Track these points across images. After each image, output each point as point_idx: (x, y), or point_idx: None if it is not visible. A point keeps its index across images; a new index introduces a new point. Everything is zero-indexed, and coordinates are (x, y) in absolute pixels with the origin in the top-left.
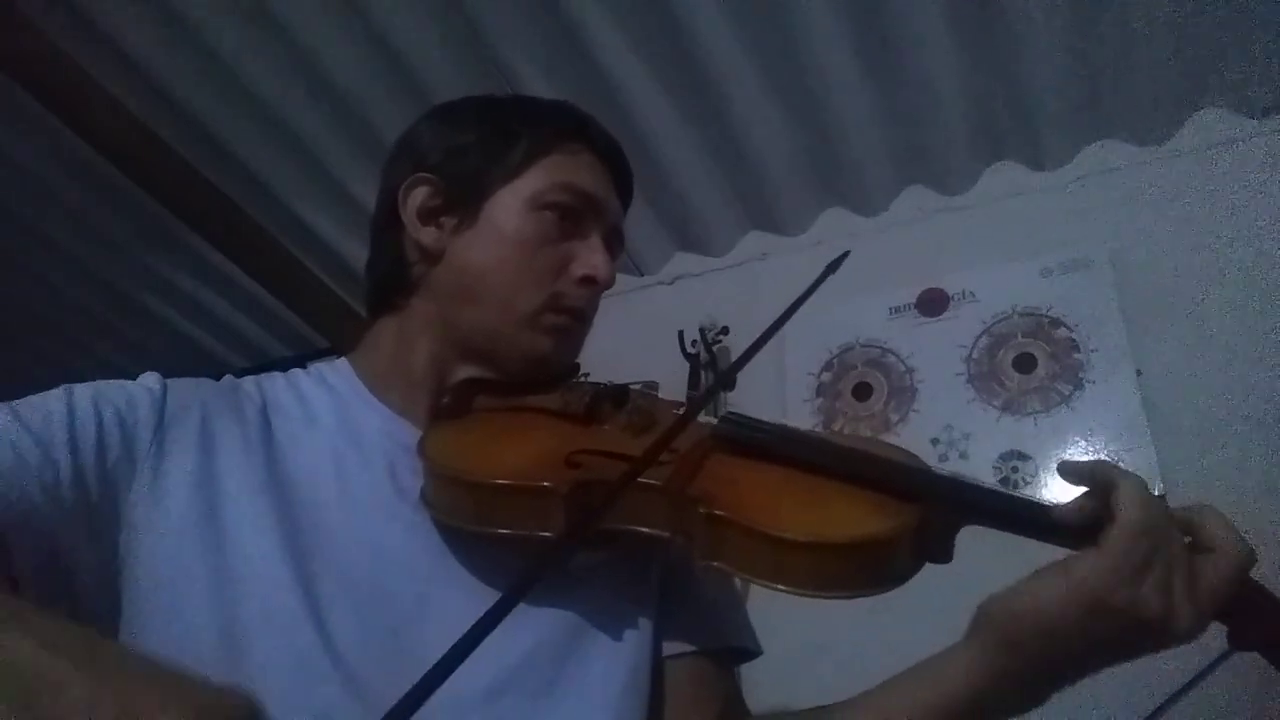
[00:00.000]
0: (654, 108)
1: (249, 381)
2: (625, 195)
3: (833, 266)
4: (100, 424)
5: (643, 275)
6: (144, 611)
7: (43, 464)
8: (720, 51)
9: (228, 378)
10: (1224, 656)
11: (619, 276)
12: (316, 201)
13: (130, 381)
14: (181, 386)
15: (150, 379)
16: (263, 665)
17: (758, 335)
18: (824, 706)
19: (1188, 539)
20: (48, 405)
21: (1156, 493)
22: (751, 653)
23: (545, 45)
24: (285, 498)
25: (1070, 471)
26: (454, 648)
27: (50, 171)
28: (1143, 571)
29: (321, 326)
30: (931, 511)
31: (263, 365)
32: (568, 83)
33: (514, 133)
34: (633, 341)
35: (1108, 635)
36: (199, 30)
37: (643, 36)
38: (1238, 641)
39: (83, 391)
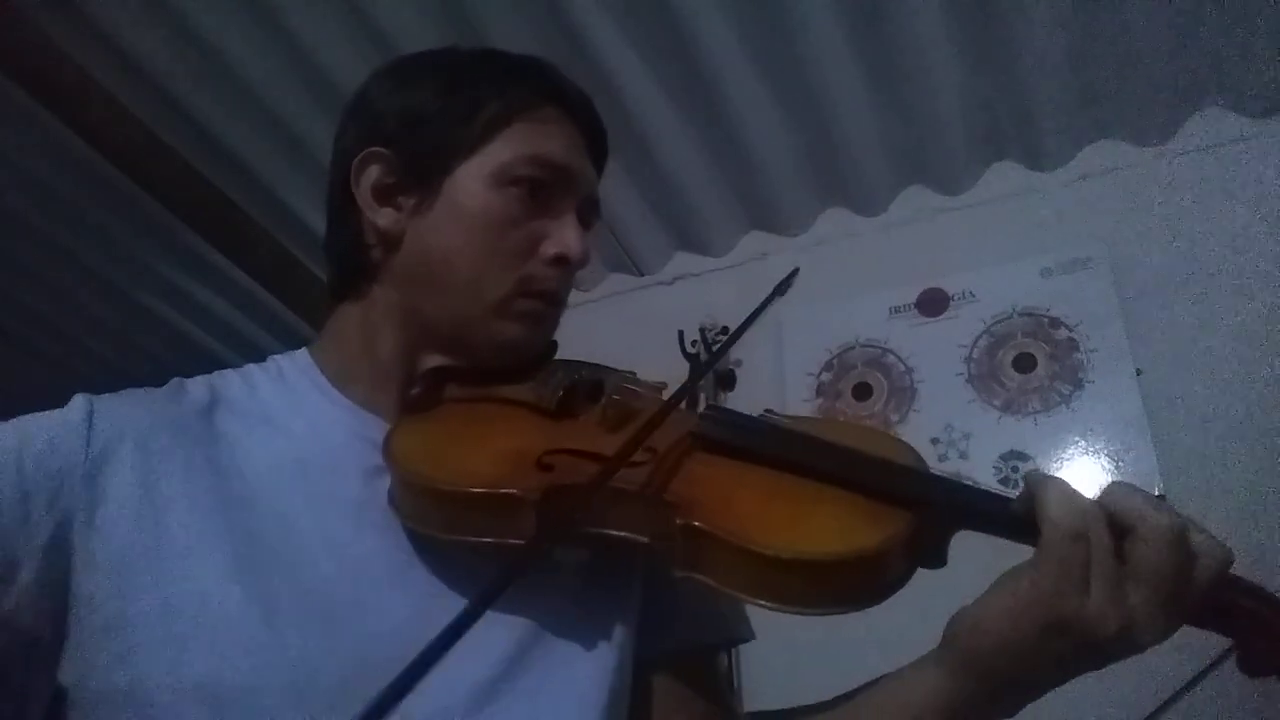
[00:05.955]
0: (654, 108)
1: (198, 382)
2: (600, 157)
3: (780, 288)
4: (21, 472)
5: (643, 275)
6: (93, 653)
7: None
8: (720, 51)
9: (173, 381)
10: (1224, 656)
11: (619, 277)
12: (316, 201)
13: (55, 413)
14: (112, 408)
15: (76, 407)
16: (222, 697)
17: (757, 335)
18: (791, 709)
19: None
20: None
21: (1156, 493)
22: (744, 639)
23: (545, 46)
24: (238, 513)
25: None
26: (412, 664)
27: (50, 171)
28: (1082, 580)
29: (321, 325)
30: (926, 517)
31: None
32: None
33: (476, 99)
34: (633, 342)
35: (1069, 647)
36: (199, 30)
37: (642, 37)
38: (1250, 665)
39: (2, 439)
